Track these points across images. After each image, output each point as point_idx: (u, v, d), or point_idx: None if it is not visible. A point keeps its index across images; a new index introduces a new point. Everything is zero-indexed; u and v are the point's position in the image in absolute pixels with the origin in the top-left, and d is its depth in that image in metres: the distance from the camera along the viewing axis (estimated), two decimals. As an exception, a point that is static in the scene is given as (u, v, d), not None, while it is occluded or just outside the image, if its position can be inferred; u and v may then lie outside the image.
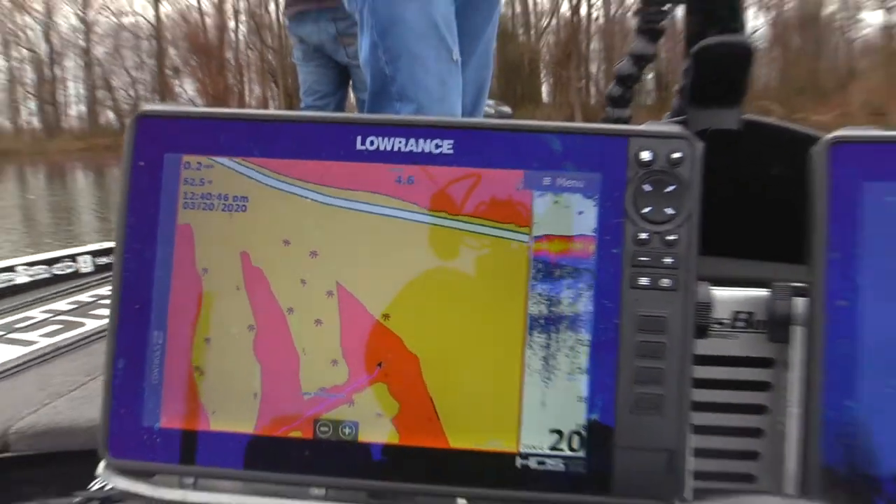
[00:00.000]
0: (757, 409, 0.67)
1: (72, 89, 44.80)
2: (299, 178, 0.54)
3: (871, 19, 42.41)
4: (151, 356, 0.54)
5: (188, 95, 44.72)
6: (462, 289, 0.53)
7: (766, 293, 0.63)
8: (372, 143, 0.54)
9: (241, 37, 44.15)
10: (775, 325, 0.60)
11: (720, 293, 0.65)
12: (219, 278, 0.55)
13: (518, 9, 42.51)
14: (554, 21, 41.95)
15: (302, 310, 0.54)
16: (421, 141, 0.54)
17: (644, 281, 0.52)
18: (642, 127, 0.54)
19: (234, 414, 0.54)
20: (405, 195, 0.54)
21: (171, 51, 44.09)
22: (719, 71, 0.79)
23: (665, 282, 0.52)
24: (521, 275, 0.53)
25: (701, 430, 0.66)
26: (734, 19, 0.85)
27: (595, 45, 40.41)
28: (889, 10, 39.99)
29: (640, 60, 1.31)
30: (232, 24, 43.75)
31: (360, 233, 0.53)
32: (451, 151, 0.53)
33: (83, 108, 44.90)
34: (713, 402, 0.67)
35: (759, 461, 0.67)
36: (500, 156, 0.53)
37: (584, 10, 41.49)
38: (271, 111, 0.56)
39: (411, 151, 0.53)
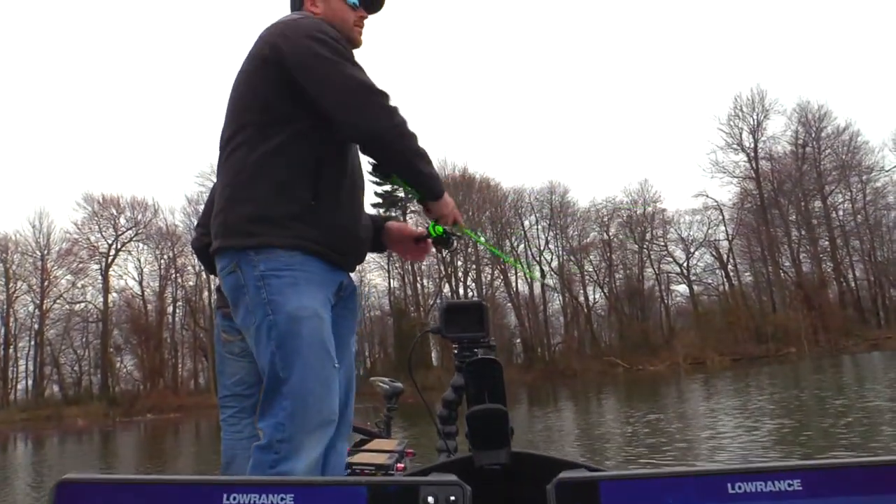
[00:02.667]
0: None
1: (22, 366, 47.74)
2: None
3: (681, 290, 51.92)
4: None
5: (127, 369, 49.04)
6: None
7: None
8: (234, 498, 0.68)
9: (177, 319, 49.69)
10: None
11: None
12: None
13: (409, 292, 50.73)
14: (438, 300, 48.82)
15: None
16: (270, 495, 0.68)
17: None
18: (429, 478, 0.70)
19: None
20: None
21: (115, 331, 48.36)
22: (486, 427, 1.26)
23: None
24: None
25: None
26: (497, 388, 1.38)
27: (471, 317, 47.47)
28: (691, 283, 50.09)
29: (459, 390, 1.81)
30: (170, 308, 49.28)
31: None
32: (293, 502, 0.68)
33: (30, 382, 47.25)
34: None
35: None
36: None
37: (461, 291, 49.94)
38: (160, 476, 0.72)
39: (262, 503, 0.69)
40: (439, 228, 2.23)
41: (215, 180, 2.30)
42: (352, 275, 2.20)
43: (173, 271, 49.16)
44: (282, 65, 1.98)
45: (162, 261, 49.33)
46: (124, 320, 48.66)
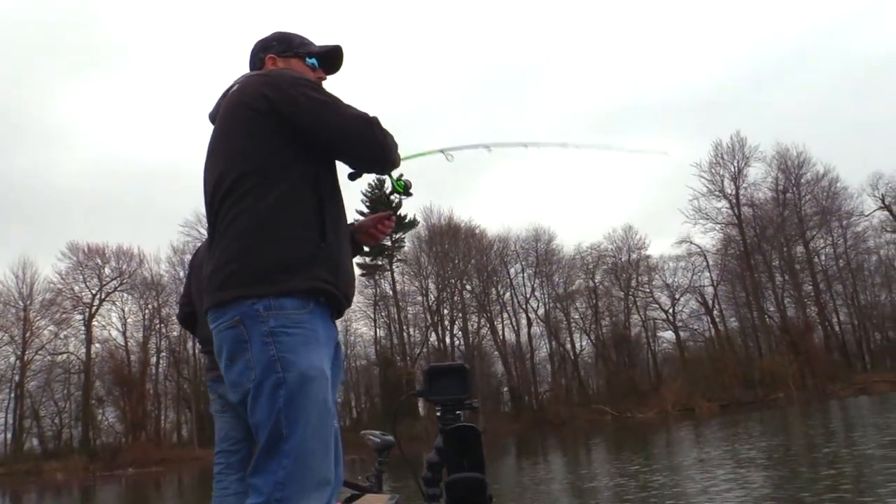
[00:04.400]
0: None
1: (0, 419, 45.65)
2: None
3: (667, 336, 51.97)
4: None
5: (109, 422, 48.07)
6: None
7: None
8: None
9: (161, 370, 48.87)
10: None
11: None
12: None
13: (396, 341, 50.17)
14: (424, 349, 48.89)
15: None
16: None
17: None
18: None
19: None
20: None
21: (97, 383, 47.15)
22: (465, 496, 1.60)
23: None
24: None
25: None
26: (476, 455, 1.63)
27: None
28: (678, 329, 50.13)
29: (441, 452, 1.92)
30: (154, 359, 48.50)
31: None
32: None
33: (9, 435, 45.43)
34: None
35: None
36: None
37: (448, 340, 49.70)
38: None
39: None
40: (400, 183, 2.42)
41: (206, 234, 2.28)
42: (337, 323, 2.22)
43: (158, 321, 48.59)
44: (279, 113, 2.03)
45: (146, 311, 48.77)
46: (107, 371, 47.61)
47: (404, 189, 2.46)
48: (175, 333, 48.03)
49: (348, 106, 2.11)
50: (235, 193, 2.01)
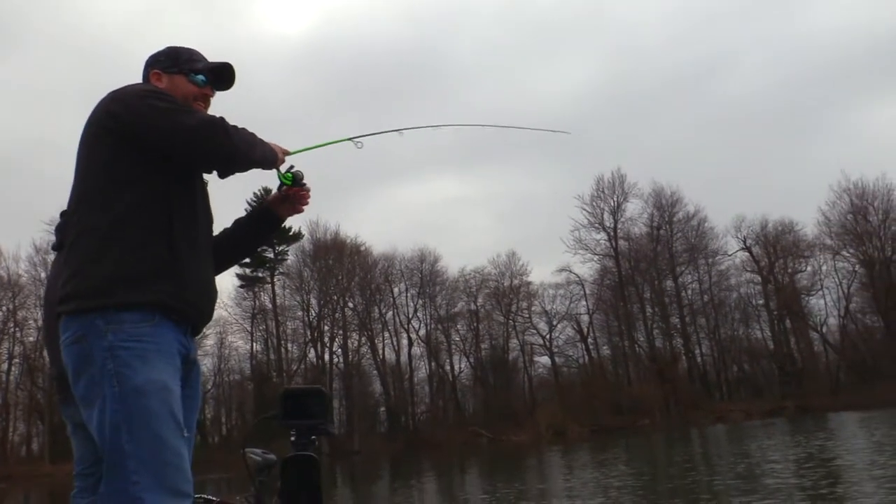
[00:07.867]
0: None
1: None
2: None
3: (543, 361, 53.25)
4: None
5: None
6: None
7: None
8: None
9: (12, 377, 45.27)
10: None
11: None
12: None
13: (272, 356, 48.78)
14: (302, 366, 47.96)
15: None
16: None
17: None
18: None
19: None
20: None
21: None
22: None
23: None
24: None
25: None
26: (313, 490, 1.60)
27: (336, 384, 46.85)
28: (553, 355, 51.53)
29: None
30: (6, 366, 44.95)
31: None
32: None
33: None
34: None
35: None
36: None
37: (327, 357, 48.79)
38: None
39: None
40: (287, 175, 2.44)
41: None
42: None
43: (13, 325, 45.13)
44: (123, 129, 2.07)
45: (0, 313, 45.21)
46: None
47: (293, 180, 2.47)
48: (31, 338, 44.79)
49: (194, 111, 2.15)
50: (82, 211, 2.08)
